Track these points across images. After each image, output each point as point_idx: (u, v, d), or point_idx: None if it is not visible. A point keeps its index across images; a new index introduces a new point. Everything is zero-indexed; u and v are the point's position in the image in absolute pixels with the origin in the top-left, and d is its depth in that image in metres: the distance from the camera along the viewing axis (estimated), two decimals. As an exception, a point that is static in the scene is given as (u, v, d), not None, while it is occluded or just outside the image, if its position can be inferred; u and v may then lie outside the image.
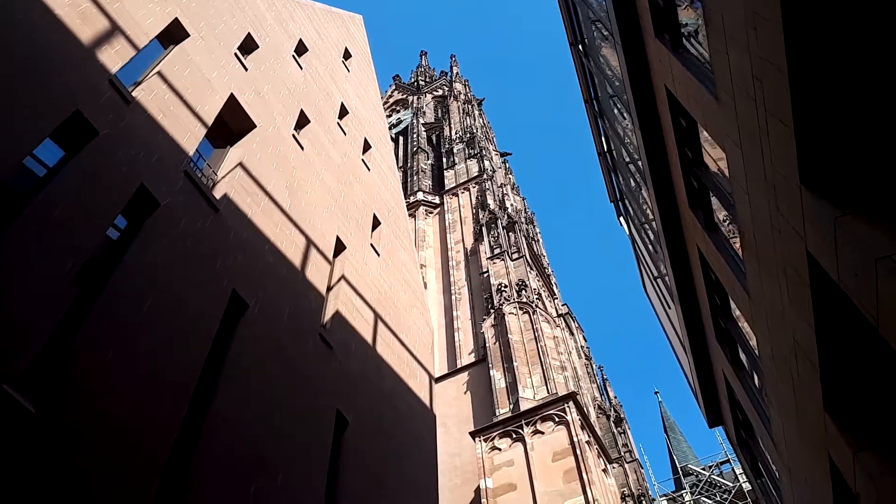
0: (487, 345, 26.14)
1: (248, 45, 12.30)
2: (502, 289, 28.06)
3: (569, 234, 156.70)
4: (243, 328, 8.35)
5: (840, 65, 4.08)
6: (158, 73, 9.06)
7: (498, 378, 24.20)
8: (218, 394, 7.40)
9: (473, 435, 21.94)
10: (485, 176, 38.99)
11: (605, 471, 22.01)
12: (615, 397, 42.27)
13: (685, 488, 34.03)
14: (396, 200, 16.84)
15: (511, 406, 22.52)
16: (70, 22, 7.55)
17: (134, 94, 8.35)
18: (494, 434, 21.50)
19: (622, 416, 40.56)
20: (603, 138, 13.97)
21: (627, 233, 15.67)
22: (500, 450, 21.04)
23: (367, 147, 16.54)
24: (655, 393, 56.08)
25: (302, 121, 13.24)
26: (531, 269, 33.43)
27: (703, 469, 34.63)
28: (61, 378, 5.58)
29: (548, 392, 22.40)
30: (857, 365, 5.69)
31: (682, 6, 7.32)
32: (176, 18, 9.85)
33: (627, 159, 11.97)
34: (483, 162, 41.01)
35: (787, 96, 4.23)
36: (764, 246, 6.31)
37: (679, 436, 43.10)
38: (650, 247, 12.59)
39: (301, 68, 14.40)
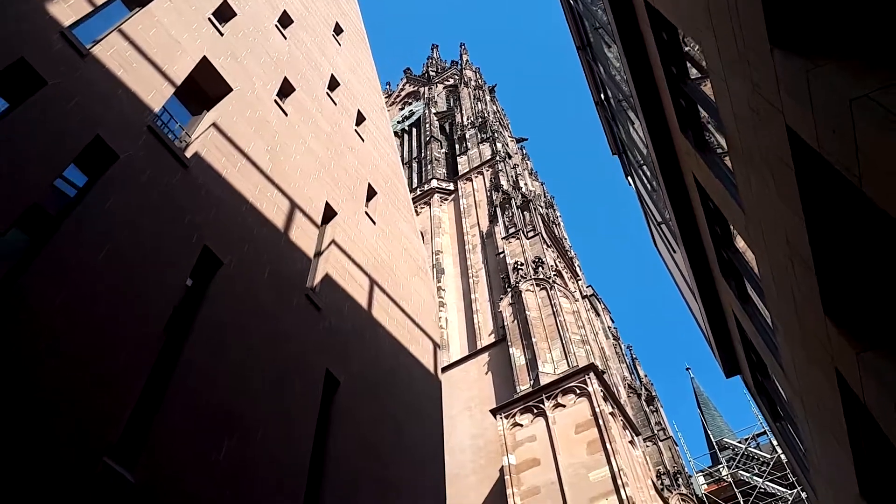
0: (506, 323, 25.69)
1: (224, 13, 12.00)
2: (518, 267, 27.56)
3: (594, 220, 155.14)
4: (217, 284, 8.02)
5: None
6: (120, 30, 8.78)
7: (517, 355, 23.74)
8: (189, 344, 7.08)
9: (494, 413, 21.51)
10: (497, 158, 38.46)
11: (631, 442, 21.42)
12: (646, 376, 41.46)
13: (721, 463, 33.13)
14: (395, 173, 16.46)
15: (531, 382, 22.03)
16: (13, -29, 7.29)
17: (92, 50, 8.07)
18: (515, 410, 21.05)
19: (653, 394, 39.76)
20: (599, 86, 13.43)
21: (634, 189, 15.09)
22: (521, 426, 20.59)
23: (361, 119, 16.18)
24: (687, 369, 54.87)
25: (286, 89, 12.91)
26: (548, 246, 32.87)
27: (739, 442, 33.69)
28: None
29: (568, 366, 21.88)
30: (851, 255, 5.27)
31: None
32: (140, -22, 9.59)
33: (620, 97, 11.44)
34: (495, 144, 40.52)
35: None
36: (747, 139, 5.89)
37: (713, 411, 42.08)
38: (652, 193, 12.04)
39: (285, 38, 14.09)
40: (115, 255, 6.71)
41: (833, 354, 5.65)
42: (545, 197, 53.01)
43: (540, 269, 27.38)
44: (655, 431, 36.27)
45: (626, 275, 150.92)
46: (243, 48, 11.85)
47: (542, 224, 33.80)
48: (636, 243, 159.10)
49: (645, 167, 11.58)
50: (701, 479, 33.78)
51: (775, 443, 32.10)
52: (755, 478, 31.26)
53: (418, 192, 40.78)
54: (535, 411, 20.75)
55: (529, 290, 26.07)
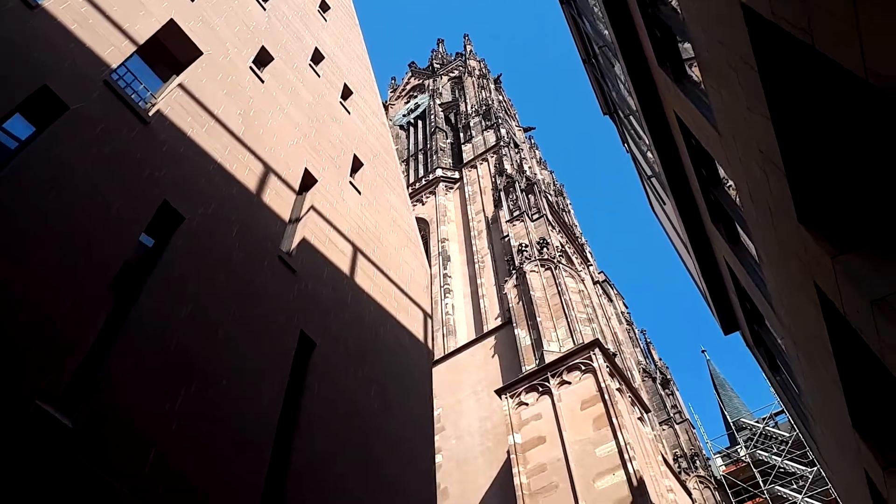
0: (511, 305, 25.31)
1: (196, -20, 11.74)
2: (523, 248, 27.17)
3: (607, 209, 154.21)
4: (179, 238, 7.76)
5: None
6: (75, -13, 8.53)
7: (523, 336, 23.35)
8: (144, 296, 6.82)
9: (499, 393, 21.16)
10: (501, 143, 38.04)
11: (640, 419, 20.95)
12: (660, 359, 40.86)
13: (739, 443, 32.49)
14: (385, 147, 16.15)
15: (537, 361, 21.64)
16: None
17: (43, 3, 7.83)
18: (520, 390, 20.67)
19: (669, 377, 39.19)
20: (586, 43, 13.03)
21: (627, 150, 14.68)
22: (527, 405, 20.21)
23: (348, 93, 15.89)
24: (702, 352, 54.09)
25: (264, 58, 12.65)
26: (554, 228, 32.43)
27: (757, 422, 33.00)
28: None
29: (574, 344, 21.47)
30: (820, 154, 4.99)
31: None
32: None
33: (602, 43, 11.05)
34: (499, 130, 40.07)
35: None
36: (712, 49, 5.63)
37: (730, 392, 41.33)
38: (641, 144, 11.63)
39: (264, 10, 13.83)
40: (60, 202, 6.46)
41: (810, 265, 5.36)
42: (555, 185, 52.51)
43: (545, 249, 26.95)
44: (672, 414, 35.71)
45: (640, 262, 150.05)
46: (216, 15, 11.60)
47: (547, 206, 33.36)
48: (649, 231, 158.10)
49: (632, 118, 11.19)
50: (719, 461, 33.17)
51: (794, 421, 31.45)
52: (774, 457, 30.59)
53: (423, 182, 40.48)
54: (541, 390, 20.35)
55: (534, 271, 25.65)
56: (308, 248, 10.36)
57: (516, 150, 38.96)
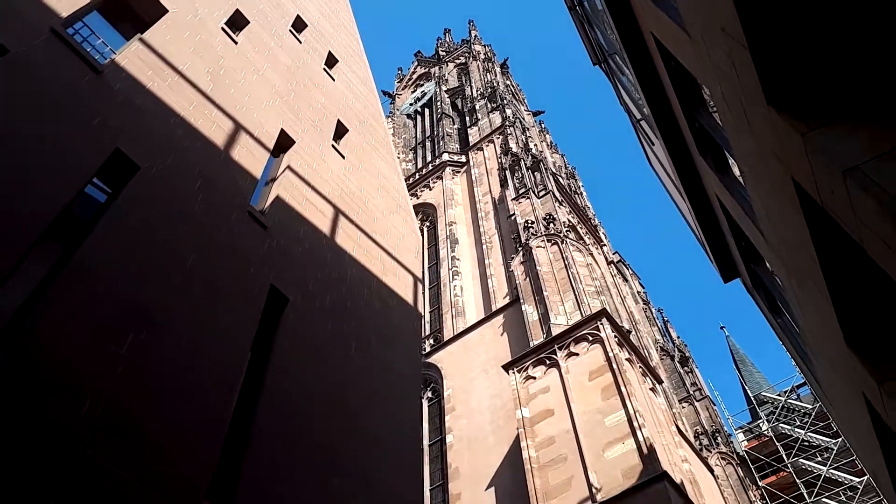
0: (518, 282, 24.85)
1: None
2: (529, 225, 26.69)
3: (622, 191, 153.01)
4: (133, 187, 7.43)
5: None
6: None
7: (530, 312, 22.90)
8: (92, 237, 6.51)
9: (507, 368, 20.69)
10: (506, 123, 37.51)
11: (653, 390, 20.39)
12: (678, 337, 40.15)
13: (761, 417, 31.73)
14: (373, 115, 15.76)
15: (545, 336, 21.16)
16: None
17: (-17, -49, 7.53)
18: (528, 364, 20.22)
19: (687, 355, 38.48)
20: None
21: (622, 104, 14.15)
22: (534, 378, 19.75)
23: (333, 61, 15.52)
24: (722, 328, 53.02)
25: (238, 21, 12.31)
26: (562, 205, 31.88)
27: (779, 395, 32.20)
28: None
29: (581, 316, 20.93)
30: (783, 29, 4.58)
31: None
32: None
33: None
34: (505, 111, 39.52)
35: None
36: None
37: (751, 367, 40.44)
38: (628, 83, 11.13)
39: (240, -24, 13.47)
40: (-5, 141, 6.15)
41: (784, 155, 4.96)
42: (566, 168, 51.87)
43: (551, 225, 26.43)
44: (691, 392, 35.03)
45: (659, 245, 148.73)
46: (184, -24, 11.26)
47: (554, 184, 32.80)
48: (666, 213, 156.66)
49: (617, 57, 10.70)
50: (740, 436, 32.47)
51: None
52: (797, 430, 29.82)
53: (430, 168, 40.09)
54: (548, 363, 19.88)
55: (540, 247, 25.16)
56: (283, 206, 10.01)
57: (522, 130, 38.40)
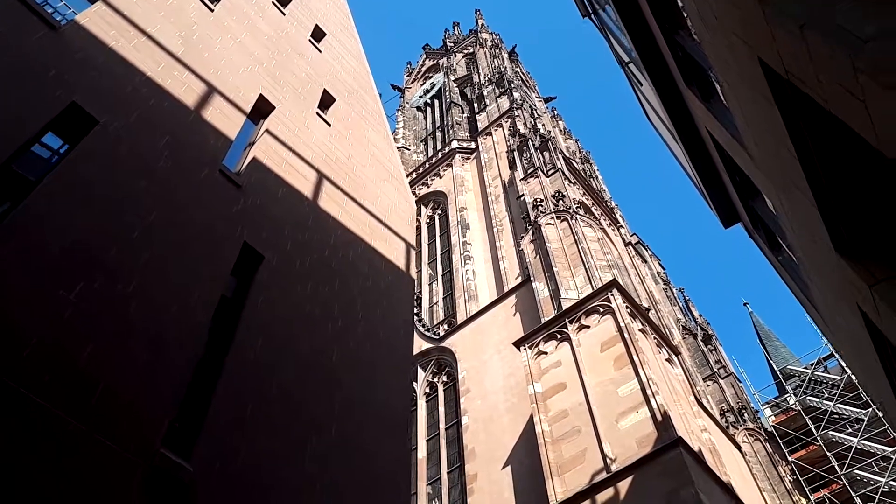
0: (528, 261, 24.41)
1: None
2: (538, 203, 26.24)
3: (645, 177, 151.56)
4: (90, 141, 7.21)
5: None
6: None
7: (541, 289, 22.47)
8: (42, 186, 6.29)
9: (518, 345, 20.28)
10: (514, 106, 37.05)
11: (669, 360, 19.85)
12: (700, 316, 39.33)
13: (788, 391, 30.90)
14: (364, 87, 15.47)
15: (556, 311, 20.71)
16: None
17: None
18: (539, 339, 19.79)
19: (710, 333, 37.68)
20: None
21: (616, 58, 13.69)
22: (545, 353, 19.32)
23: (321, 35, 15.26)
24: (745, 304, 51.79)
25: (215, -10, 12.07)
26: (572, 183, 31.34)
27: (805, 368, 31.33)
28: None
29: (592, 289, 20.43)
30: None
31: None
32: None
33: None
34: (512, 94, 39.04)
35: None
36: None
37: (776, 342, 39.44)
38: (618, 34, 10.70)
39: (219, -52, 13.26)
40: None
41: (748, 36, 4.63)
42: (580, 153, 51.26)
43: (561, 202, 25.95)
44: (715, 370, 34.27)
45: (678, 227, 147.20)
46: (155, -55, 11.06)
47: (563, 162, 32.27)
48: (684, 192, 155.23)
49: (603, 2, 10.29)
50: (767, 411, 31.65)
51: (844, 364, 29.71)
52: (825, 402, 28.96)
53: (439, 156, 39.75)
54: (560, 336, 19.42)
55: (550, 224, 24.69)
56: (260, 167, 9.75)
57: (531, 113, 37.90)
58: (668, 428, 15.20)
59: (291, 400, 7.40)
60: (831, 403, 28.59)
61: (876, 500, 25.40)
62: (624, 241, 40.29)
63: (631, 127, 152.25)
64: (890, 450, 26.24)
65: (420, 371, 26.47)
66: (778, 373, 32.28)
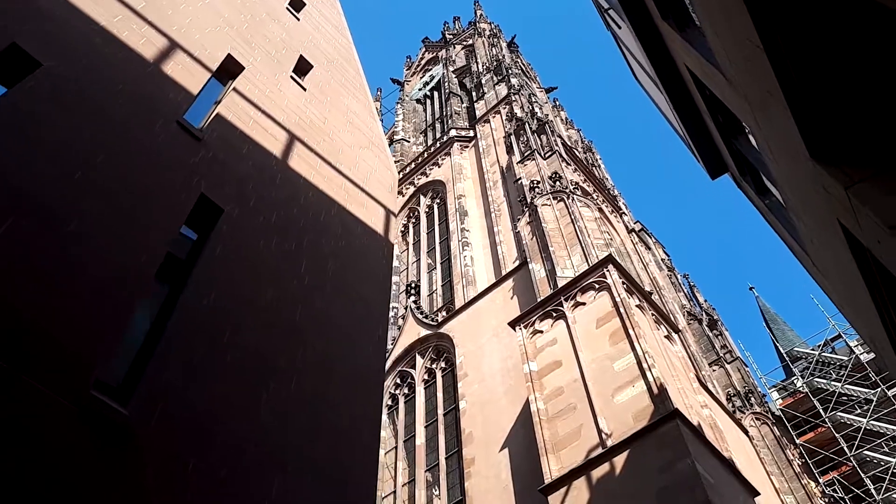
0: (525, 243, 24.01)
1: None
2: (535, 185, 25.84)
3: (650, 167, 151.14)
4: (30, 81, 6.86)
5: None
6: None
7: (537, 269, 22.07)
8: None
9: (513, 325, 19.87)
10: (511, 92, 36.64)
11: (668, 337, 19.40)
12: (706, 301, 38.80)
13: (795, 374, 30.33)
14: (345, 58, 15.11)
15: (552, 290, 20.29)
16: None
17: None
18: (534, 318, 19.40)
19: (716, 318, 37.14)
20: None
21: (607, 23, 13.27)
22: (541, 332, 18.92)
23: (300, 5, 14.92)
24: (751, 289, 51.39)
25: (182, -46, 11.73)
26: (569, 165, 30.90)
27: (812, 350, 30.75)
28: None
29: (589, 266, 20.01)
30: None
31: None
32: None
33: None
34: (510, 80, 38.64)
35: None
36: None
37: (782, 325, 38.82)
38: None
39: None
40: None
41: None
42: (583, 142, 50.85)
43: (557, 182, 25.53)
44: (721, 354, 33.75)
45: (682, 214, 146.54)
46: None
47: (562, 147, 31.84)
48: (688, 180, 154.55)
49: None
50: (774, 395, 31.12)
51: (853, 344, 29.14)
52: (833, 383, 28.38)
53: (438, 145, 39.40)
54: (555, 315, 19.01)
55: (546, 205, 24.28)
56: (224, 123, 9.40)
57: (529, 99, 37.47)
58: (665, 400, 14.77)
59: (247, 350, 7.03)
60: (839, 384, 28.03)
61: (886, 481, 24.82)
62: (627, 227, 39.81)
63: (636, 118, 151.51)
64: (900, 429, 25.67)
65: (418, 358, 26.11)
66: (785, 355, 31.71)
